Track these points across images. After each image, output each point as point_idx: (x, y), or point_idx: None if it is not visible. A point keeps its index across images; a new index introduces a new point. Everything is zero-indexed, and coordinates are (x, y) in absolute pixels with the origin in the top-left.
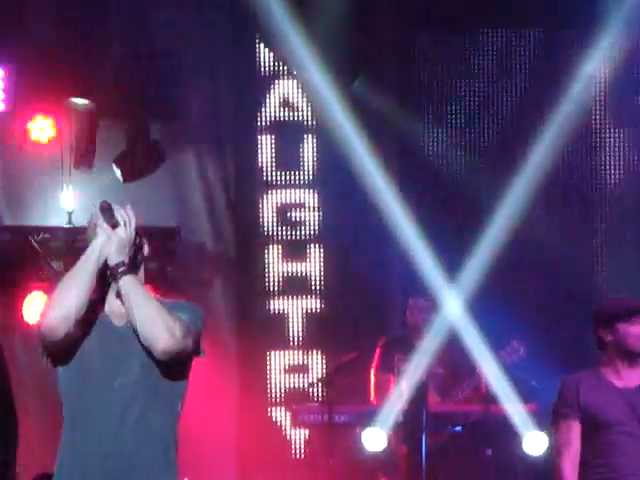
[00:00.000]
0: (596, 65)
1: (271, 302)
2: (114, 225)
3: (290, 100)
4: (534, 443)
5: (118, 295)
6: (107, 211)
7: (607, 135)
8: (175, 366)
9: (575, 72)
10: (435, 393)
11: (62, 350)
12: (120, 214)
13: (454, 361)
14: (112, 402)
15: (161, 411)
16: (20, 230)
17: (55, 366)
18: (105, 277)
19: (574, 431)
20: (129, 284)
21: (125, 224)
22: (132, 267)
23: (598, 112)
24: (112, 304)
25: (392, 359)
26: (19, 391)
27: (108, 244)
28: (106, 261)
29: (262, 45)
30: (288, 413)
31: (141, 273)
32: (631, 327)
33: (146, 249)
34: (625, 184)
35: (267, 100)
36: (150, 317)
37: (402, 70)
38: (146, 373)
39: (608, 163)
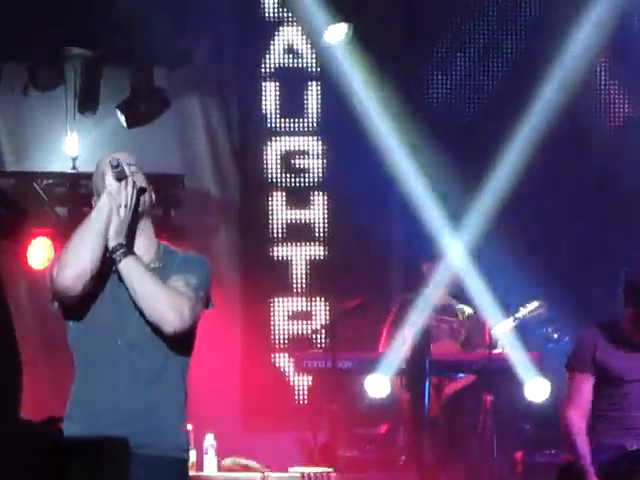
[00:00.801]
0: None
1: (275, 249)
2: (121, 179)
3: (294, 47)
4: (536, 390)
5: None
6: (116, 167)
7: (610, 79)
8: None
9: (580, 16)
10: (446, 342)
11: (76, 305)
12: (128, 172)
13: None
14: (123, 358)
15: (174, 368)
16: (24, 176)
17: (67, 319)
18: None
19: (585, 385)
20: (130, 266)
21: (127, 206)
22: (130, 245)
23: (603, 56)
24: None
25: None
26: (25, 338)
27: (115, 200)
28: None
29: None
30: (291, 359)
31: (149, 223)
32: None
33: (152, 198)
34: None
35: (271, 46)
36: (155, 300)
37: (405, 15)
38: (158, 333)
39: (611, 105)
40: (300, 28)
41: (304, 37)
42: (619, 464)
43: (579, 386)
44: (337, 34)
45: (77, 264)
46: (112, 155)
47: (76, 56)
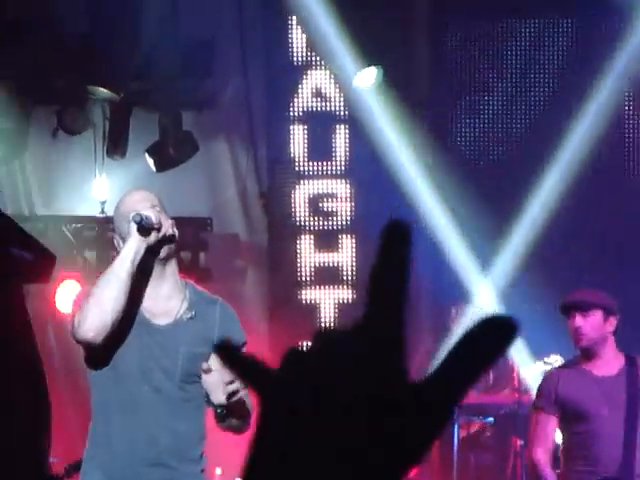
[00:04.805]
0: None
1: (303, 292)
2: (147, 232)
3: (322, 90)
4: None
5: (156, 294)
6: (139, 223)
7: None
8: None
9: (608, 63)
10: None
11: (99, 353)
12: (153, 218)
13: None
14: (144, 405)
15: (197, 417)
16: (53, 219)
17: (89, 366)
18: (141, 275)
19: (550, 424)
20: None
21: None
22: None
23: (631, 102)
24: (152, 303)
25: None
26: (52, 380)
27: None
28: (144, 259)
29: (295, 34)
30: None
31: (174, 265)
32: (569, 322)
33: (176, 236)
34: None
35: (300, 90)
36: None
37: (433, 58)
38: (185, 379)
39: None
40: (328, 72)
41: (332, 81)
42: None
43: (544, 427)
44: (367, 78)
45: (99, 314)
46: (134, 195)
47: (104, 99)
